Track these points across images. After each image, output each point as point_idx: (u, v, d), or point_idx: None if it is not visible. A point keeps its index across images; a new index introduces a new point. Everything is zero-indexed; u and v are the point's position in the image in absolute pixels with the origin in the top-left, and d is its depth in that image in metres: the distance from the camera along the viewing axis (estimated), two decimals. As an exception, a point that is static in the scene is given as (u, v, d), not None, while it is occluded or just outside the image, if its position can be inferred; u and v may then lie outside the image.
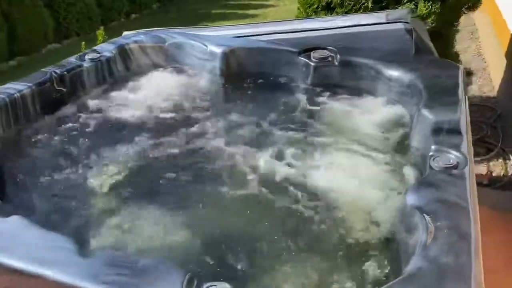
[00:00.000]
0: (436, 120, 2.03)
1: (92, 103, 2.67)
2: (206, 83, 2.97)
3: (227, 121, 2.57)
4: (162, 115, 2.63)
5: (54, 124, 2.46)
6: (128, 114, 2.62)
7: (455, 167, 1.73)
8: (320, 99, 2.69)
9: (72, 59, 2.76)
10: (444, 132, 1.97)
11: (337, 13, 3.74)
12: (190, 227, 1.79)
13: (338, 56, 2.74)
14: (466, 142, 1.88)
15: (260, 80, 2.90)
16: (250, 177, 2.06)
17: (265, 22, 3.32)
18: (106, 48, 2.98)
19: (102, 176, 2.10)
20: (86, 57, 2.81)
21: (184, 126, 2.49)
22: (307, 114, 2.61)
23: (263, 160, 2.17)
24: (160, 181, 2.08)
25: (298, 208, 1.87)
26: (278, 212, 1.89)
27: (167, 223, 1.81)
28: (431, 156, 1.82)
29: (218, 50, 2.96)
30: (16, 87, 2.35)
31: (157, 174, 2.12)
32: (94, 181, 2.06)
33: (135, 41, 3.11)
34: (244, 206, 1.94)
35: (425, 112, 2.11)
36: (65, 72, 2.61)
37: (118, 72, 2.97)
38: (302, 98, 2.75)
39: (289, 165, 2.13)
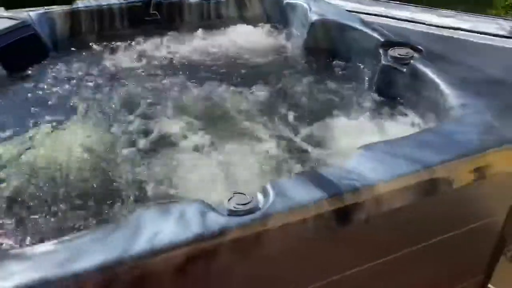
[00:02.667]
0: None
1: (181, 36, 2.82)
2: (290, 46, 2.75)
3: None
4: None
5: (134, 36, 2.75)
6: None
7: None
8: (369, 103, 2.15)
9: (182, -10, 2.96)
10: None
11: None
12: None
13: (417, 63, 2.05)
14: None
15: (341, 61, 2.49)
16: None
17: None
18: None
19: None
20: (198, -7, 2.98)
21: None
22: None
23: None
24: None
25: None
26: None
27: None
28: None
29: (313, 18, 2.65)
30: (111, 1, 2.75)
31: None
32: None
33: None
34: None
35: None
36: (165, 0, 2.86)
37: (227, 15, 3.03)
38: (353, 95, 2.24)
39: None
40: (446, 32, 2.20)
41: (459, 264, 1.73)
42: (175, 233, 1.09)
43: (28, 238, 1.37)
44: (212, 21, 2.98)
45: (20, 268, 1.01)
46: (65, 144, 1.85)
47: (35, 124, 1.96)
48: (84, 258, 1.02)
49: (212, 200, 1.23)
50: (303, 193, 1.22)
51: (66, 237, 1.09)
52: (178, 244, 1.06)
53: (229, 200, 1.19)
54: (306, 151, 1.84)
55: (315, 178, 1.28)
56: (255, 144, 1.88)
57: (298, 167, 1.73)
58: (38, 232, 1.41)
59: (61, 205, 1.51)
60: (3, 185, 1.60)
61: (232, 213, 1.16)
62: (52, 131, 1.92)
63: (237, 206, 1.17)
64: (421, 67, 2.02)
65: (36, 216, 1.46)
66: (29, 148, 1.81)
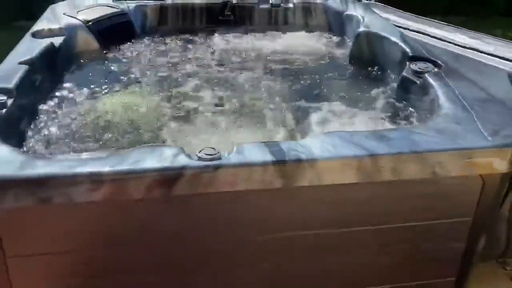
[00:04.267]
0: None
1: (247, 37, 3.27)
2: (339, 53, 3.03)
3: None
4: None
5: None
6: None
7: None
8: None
9: (256, -4, 3.39)
10: None
11: None
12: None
13: (429, 76, 2.22)
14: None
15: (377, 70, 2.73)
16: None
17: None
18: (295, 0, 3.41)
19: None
20: (271, 1, 3.38)
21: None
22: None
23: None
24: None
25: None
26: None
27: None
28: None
29: (360, 29, 2.90)
30: (194, 1, 3.29)
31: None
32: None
33: (325, 3, 3.38)
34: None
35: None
36: (239, 4, 3.31)
37: (293, 22, 3.40)
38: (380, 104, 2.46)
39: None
40: (470, 54, 2.33)
41: (423, 260, 1.90)
42: (151, 164, 1.52)
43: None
44: (279, 26, 3.40)
45: (41, 164, 1.52)
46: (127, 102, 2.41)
47: (113, 86, 2.55)
48: (83, 167, 1.51)
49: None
50: (257, 156, 1.57)
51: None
52: (149, 170, 1.50)
53: (200, 150, 1.59)
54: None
55: (272, 146, 1.62)
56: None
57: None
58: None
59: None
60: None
61: (199, 159, 1.56)
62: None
63: (204, 155, 1.56)
64: (431, 80, 2.21)
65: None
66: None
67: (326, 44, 3.16)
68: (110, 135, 2.09)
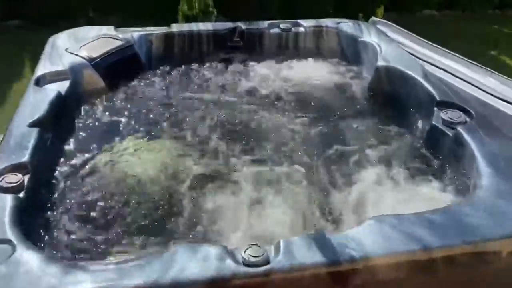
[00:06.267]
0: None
1: (258, 65, 3.10)
2: (356, 86, 2.93)
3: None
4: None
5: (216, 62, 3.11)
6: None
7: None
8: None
9: (265, 23, 3.23)
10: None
11: None
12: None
13: (463, 130, 2.14)
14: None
15: (400, 110, 2.64)
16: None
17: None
18: (307, 24, 3.26)
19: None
20: (280, 25, 3.23)
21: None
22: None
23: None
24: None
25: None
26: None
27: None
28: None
29: (380, 63, 2.80)
30: (200, 28, 3.13)
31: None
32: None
33: (337, 27, 3.24)
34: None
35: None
36: (248, 30, 3.16)
37: (304, 47, 3.26)
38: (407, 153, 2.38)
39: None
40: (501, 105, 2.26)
41: None
42: (196, 273, 1.41)
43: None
44: (290, 50, 3.25)
45: (83, 278, 1.40)
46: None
47: (118, 134, 2.41)
48: (127, 278, 1.39)
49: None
50: (307, 255, 1.48)
51: (119, 259, 1.47)
52: (196, 281, 1.39)
53: (245, 250, 1.49)
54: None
55: (321, 241, 1.53)
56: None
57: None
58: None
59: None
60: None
61: (245, 261, 1.46)
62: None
63: (250, 257, 1.47)
64: (465, 134, 2.13)
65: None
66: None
67: (342, 74, 3.04)
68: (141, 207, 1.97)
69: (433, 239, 1.57)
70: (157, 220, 1.93)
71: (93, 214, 1.92)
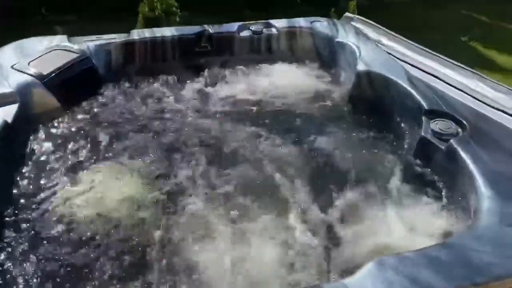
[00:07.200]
0: None
1: (228, 72, 2.85)
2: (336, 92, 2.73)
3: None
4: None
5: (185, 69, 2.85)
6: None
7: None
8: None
9: (235, 25, 2.99)
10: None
11: None
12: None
13: (457, 144, 1.97)
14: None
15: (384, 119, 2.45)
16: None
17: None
18: (279, 24, 3.05)
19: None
20: (251, 27, 2.99)
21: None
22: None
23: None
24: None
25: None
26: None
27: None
28: None
29: (360, 68, 2.60)
30: (164, 33, 2.85)
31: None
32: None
33: (311, 27, 3.04)
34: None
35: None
36: (217, 34, 2.91)
37: (277, 49, 3.04)
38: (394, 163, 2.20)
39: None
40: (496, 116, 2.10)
41: None
42: None
43: None
44: (262, 55, 3.02)
45: None
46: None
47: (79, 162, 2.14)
48: None
49: None
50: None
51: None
52: None
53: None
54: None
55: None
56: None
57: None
58: None
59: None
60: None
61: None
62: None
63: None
64: (460, 150, 1.96)
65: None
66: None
67: (319, 80, 2.83)
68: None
69: (440, 283, 1.40)
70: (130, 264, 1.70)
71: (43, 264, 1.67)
